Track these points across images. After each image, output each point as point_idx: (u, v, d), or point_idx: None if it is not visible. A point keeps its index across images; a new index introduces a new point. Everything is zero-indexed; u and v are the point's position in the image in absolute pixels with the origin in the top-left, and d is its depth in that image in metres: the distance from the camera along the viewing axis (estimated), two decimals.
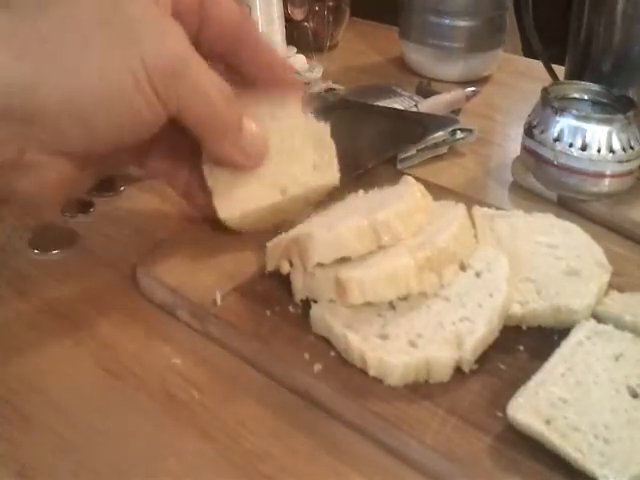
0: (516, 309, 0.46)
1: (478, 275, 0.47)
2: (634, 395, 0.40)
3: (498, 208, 0.57)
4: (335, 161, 0.54)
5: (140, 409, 0.43)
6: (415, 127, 0.71)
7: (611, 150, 0.61)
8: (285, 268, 0.49)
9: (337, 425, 0.42)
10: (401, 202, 0.48)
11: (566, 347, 0.43)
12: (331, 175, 0.53)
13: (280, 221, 0.53)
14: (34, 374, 0.45)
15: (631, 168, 0.62)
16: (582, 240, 0.53)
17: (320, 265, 0.46)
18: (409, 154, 0.69)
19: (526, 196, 0.66)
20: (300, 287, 0.48)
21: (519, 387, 0.41)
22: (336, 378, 0.43)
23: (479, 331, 0.43)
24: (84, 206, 0.62)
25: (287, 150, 0.53)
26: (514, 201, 0.66)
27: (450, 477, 0.39)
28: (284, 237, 0.49)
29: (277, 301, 0.49)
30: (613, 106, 0.64)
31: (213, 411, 0.43)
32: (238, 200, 0.51)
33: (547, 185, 0.64)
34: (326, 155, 0.54)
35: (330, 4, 0.97)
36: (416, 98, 0.81)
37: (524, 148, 0.66)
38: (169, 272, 0.51)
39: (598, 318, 0.46)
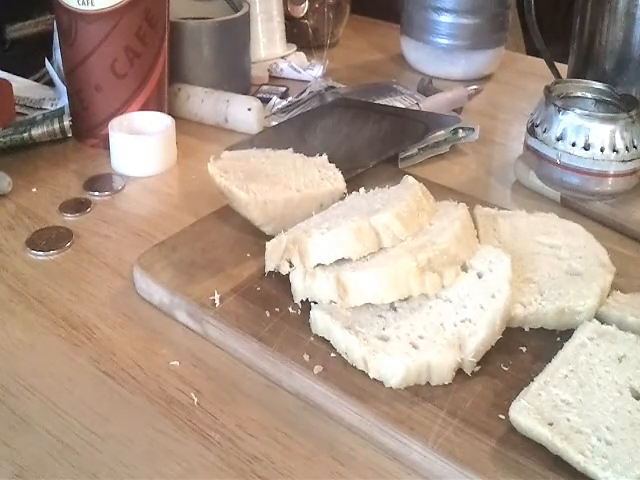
0: (518, 310, 0.46)
1: (480, 276, 0.47)
2: (637, 397, 0.40)
3: (500, 208, 0.57)
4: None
5: (138, 411, 0.43)
6: (416, 126, 0.70)
7: (614, 149, 0.60)
8: (285, 269, 0.48)
9: (337, 427, 0.42)
10: (402, 202, 0.48)
11: (569, 349, 0.43)
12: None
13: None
14: (31, 376, 0.45)
15: (635, 167, 0.61)
16: (585, 240, 0.52)
17: (320, 265, 0.46)
18: (410, 153, 0.69)
19: (529, 196, 0.65)
20: (300, 288, 0.47)
21: (521, 389, 0.40)
22: (336, 380, 0.42)
23: (481, 333, 0.43)
24: (82, 206, 0.61)
25: None
26: (517, 201, 0.65)
27: None
28: (284, 237, 0.49)
29: (276, 302, 0.48)
30: (616, 105, 0.64)
31: (212, 413, 0.43)
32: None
33: (550, 185, 0.64)
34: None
35: (330, 1, 0.96)
36: (417, 96, 0.81)
37: (527, 147, 0.65)
38: (167, 273, 0.50)
39: (601, 319, 0.45)
